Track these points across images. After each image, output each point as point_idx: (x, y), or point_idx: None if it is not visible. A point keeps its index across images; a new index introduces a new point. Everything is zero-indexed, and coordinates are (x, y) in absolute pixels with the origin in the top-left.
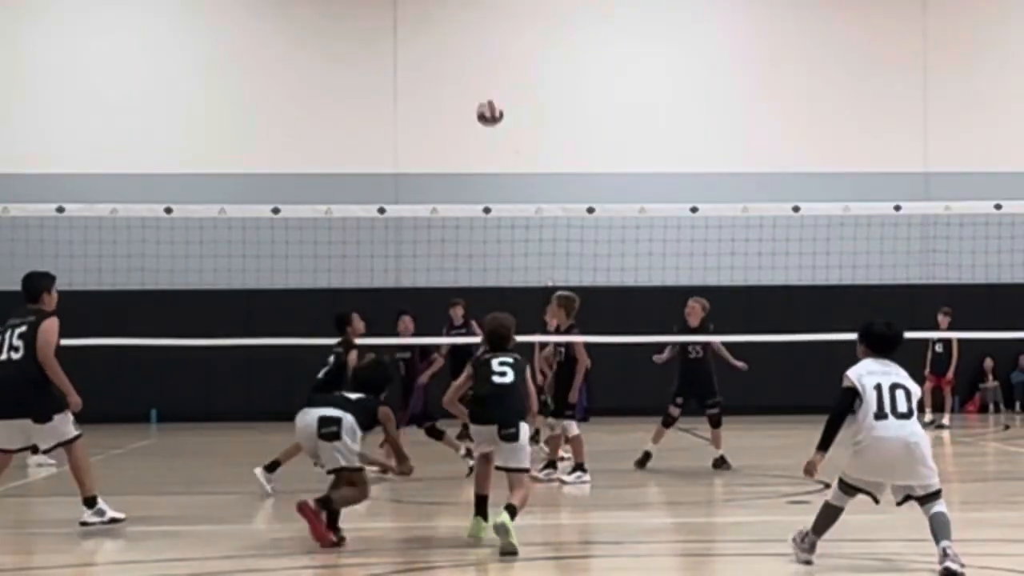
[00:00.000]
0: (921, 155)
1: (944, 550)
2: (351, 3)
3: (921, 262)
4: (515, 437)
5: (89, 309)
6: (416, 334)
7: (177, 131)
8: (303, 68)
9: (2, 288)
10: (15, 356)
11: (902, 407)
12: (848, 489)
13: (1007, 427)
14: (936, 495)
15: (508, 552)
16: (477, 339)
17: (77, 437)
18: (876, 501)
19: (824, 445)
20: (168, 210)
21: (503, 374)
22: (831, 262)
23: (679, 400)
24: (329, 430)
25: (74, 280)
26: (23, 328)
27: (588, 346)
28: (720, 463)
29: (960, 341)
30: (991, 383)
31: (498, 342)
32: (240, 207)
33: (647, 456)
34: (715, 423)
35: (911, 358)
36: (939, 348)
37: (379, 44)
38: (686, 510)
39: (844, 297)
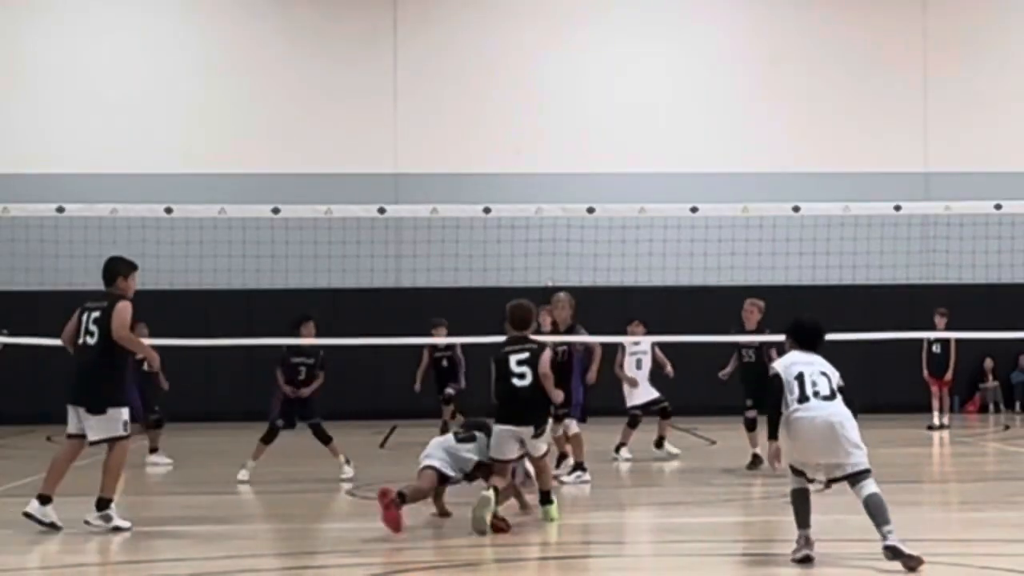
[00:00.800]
0: (921, 155)
1: (886, 535)
2: (351, 3)
3: (921, 262)
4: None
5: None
6: (410, 334)
7: (177, 131)
8: (303, 68)
9: (2, 288)
10: (90, 341)
11: (824, 390)
12: (796, 472)
13: (1007, 427)
14: (865, 474)
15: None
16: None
17: (125, 437)
18: (810, 481)
19: (773, 433)
20: (168, 210)
21: (522, 376)
22: (831, 262)
23: (749, 403)
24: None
25: (74, 280)
26: (97, 313)
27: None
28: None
29: (959, 341)
30: (991, 383)
31: (520, 324)
32: (240, 207)
33: (757, 458)
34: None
35: (909, 358)
36: (936, 349)
37: (379, 44)
38: (686, 510)
39: (844, 297)
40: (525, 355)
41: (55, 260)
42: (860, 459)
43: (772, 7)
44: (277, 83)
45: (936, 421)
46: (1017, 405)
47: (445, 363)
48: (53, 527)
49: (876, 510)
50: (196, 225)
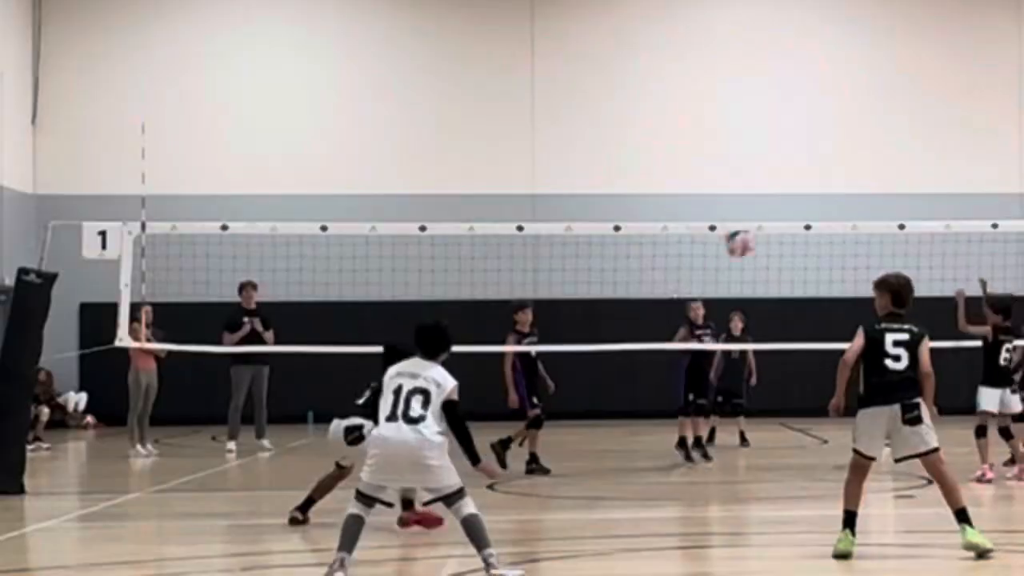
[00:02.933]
0: (1018, 176)
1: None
2: (490, 36)
3: (1017, 275)
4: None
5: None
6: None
7: (330, 155)
8: (447, 96)
9: (171, 300)
10: None
11: (414, 411)
12: (361, 497)
13: None
14: (457, 495)
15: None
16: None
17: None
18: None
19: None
20: (324, 228)
21: (897, 358)
22: (933, 275)
23: None
24: None
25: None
26: None
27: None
28: None
29: None
30: None
31: (902, 302)
32: (390, 225)
33: None
34: None
35: None
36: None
37: (518, 74)
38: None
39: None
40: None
41: (219, 274)
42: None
43: (877, 36)
44: (422, 111)
45: None
46: None
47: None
48: None
49: (474, 533)
50: (349, 242)
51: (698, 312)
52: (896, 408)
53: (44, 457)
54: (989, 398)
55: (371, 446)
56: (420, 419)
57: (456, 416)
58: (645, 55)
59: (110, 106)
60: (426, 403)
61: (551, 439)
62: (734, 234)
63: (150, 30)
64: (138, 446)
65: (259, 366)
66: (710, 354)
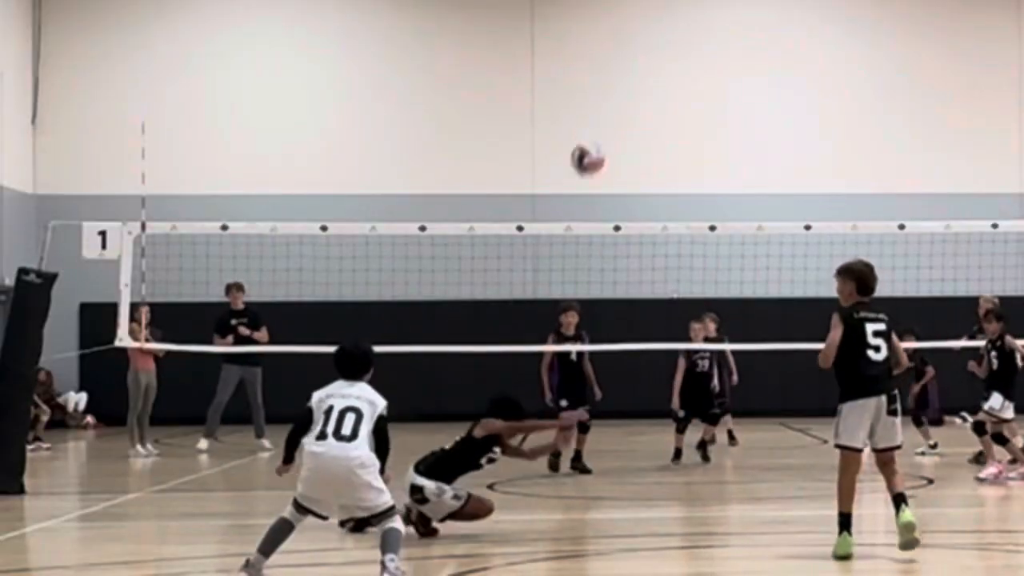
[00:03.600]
0: (1017, 177)
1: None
2: (490, 37)
3: (1017, 276)
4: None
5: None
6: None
7: (330, 155)
8: (447, 97)
9: (171, 300)
10: None
11: (346, 430)
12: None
13: None
14: (387, 513)
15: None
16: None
17: None
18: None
19: (288, 457)
20: (324, 228)
21: (878, 348)
22: (933, 276)
23: None
24: None
25: None
26: None
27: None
28: None
29: None
30: None
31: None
32: (390, 225)
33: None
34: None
35: None
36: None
37: (518, 76)
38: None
39: (945, 308)
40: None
41: (219, 274)
42: (379, 501)
43: (877, 36)
44: (422, 111)
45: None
46: None
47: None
48: None
49: (385, 542)
50: (349, 242)
51: (699, 333)
52: (883, 399)
53: (44, 457)
54: (1002, 402)
55: (304, 462)
56: (352, 437)
57: (384, 431)
58: (645, 55)
59: (110, 106)
60: (358, 422)
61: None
62: (580, 159)
63: (150, 30)
64: (138, 446)
65: (249, 367)
66: (706, 372)
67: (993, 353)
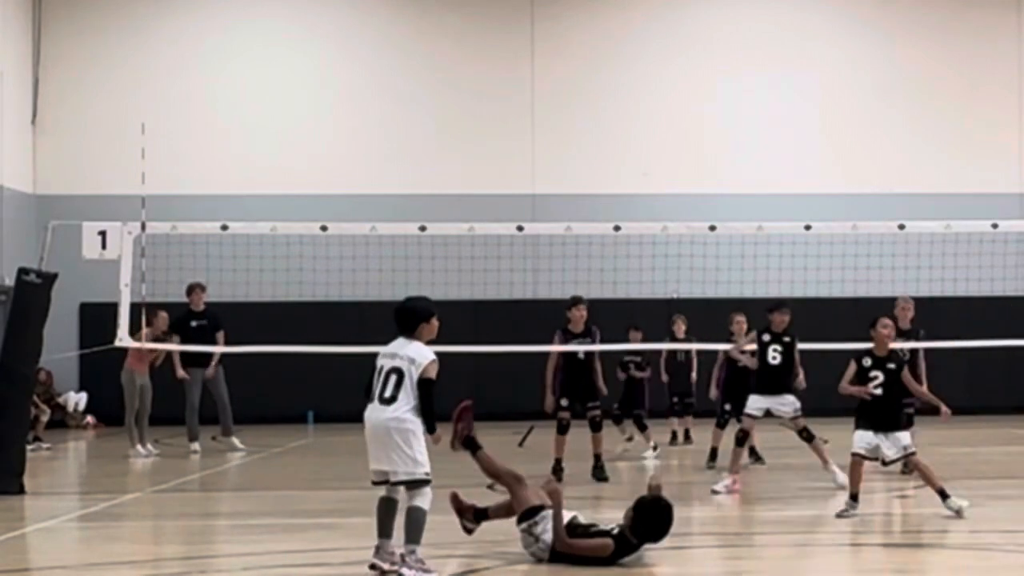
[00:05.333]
0: (1017, 177)
1: (401, 555)
2: (491, 39)
3: (1017, 276)
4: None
5: (250, 319)
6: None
7: (331, 155)
8: (447, 97)
9: (171, 299)
10: None
11: (387, 392)
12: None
13: None
14: (415, 484)
15: None
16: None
17: None
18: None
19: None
20: (324, 228)
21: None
22: (933, 275)
23: None
24: None
25: (236, 292)
26: None
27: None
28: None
29: None
30: None
31: None
32: (390, 225)
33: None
34: None
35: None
36: None
37: (518, 75)
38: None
39: (944, 308)
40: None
41: (219, 274)
42: (410, 469)
43: (877, 37)
44: (422, 110)
45: None
46: None
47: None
48: None
49: (407, 528)
50: (349, 241)
51: (741, 327)
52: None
53: (44, 457)
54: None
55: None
56: (391, 400)
57: (427, 392)
58: (645, 55)
59: (110, 106)
60: (399, 383)
61: (550, 439)
62: None
63: (150, 30)
64: (138, 446)
65: (206, 368)
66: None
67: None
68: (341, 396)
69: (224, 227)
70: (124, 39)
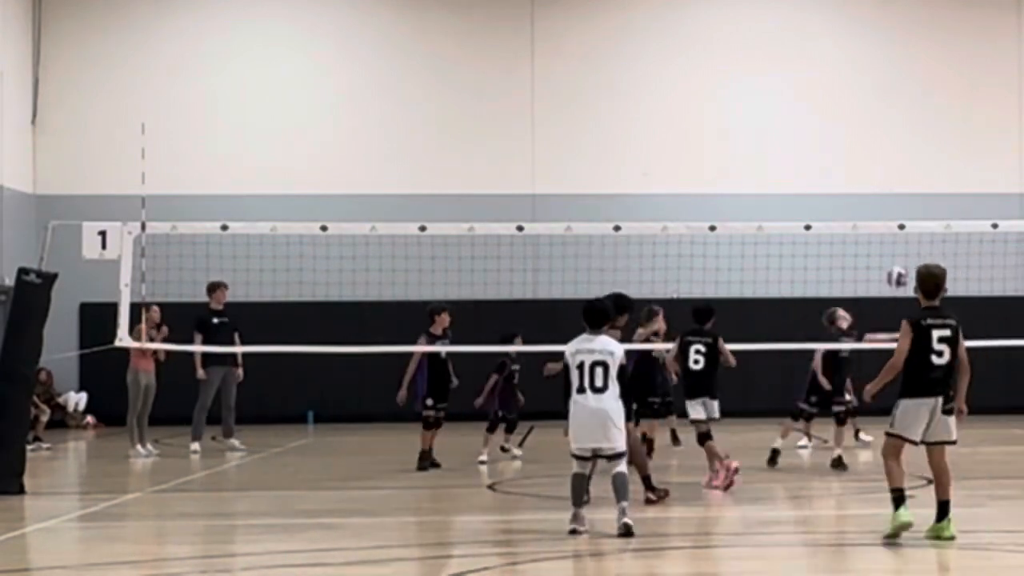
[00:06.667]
0: (1018, 177)
1: (623, 510)
2: (492, 39)
3: (1016, 276)
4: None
5: (250, 319)
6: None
7: (331, 156)
8: (447, 97)
9: (171, 300)
10: None
11: (599, 382)
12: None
13: None
14: (618, 456)
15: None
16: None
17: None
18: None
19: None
20: (323, 228)
21: (941, 353)
22: None
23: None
24: None
25: (236, 293)
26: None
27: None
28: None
29: None
30: None
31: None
32: (390, 225)
33: (776, 453)
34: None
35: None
36: None
37: (518, 75)
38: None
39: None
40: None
41: (219, 274)
42: (616, 443)
43: (877, 37)
44: (422, 110)
45: None
46: None
47: None
48: None
49: (617, 488)
50: (349, 242)
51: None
52: (939, 400)
53: (44, 457)
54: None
55: (571, 415)
56: (603, 389)
57: (624, 377)
58: (645, 55)
59: (110, 106)
60: (606, 374)
61: (550, 439)
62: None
63: (150, 30)
64: (138, 446)
65: (231, 367)
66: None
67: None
68: (341, 396)
69: (224, 227)
70: (124, 39)
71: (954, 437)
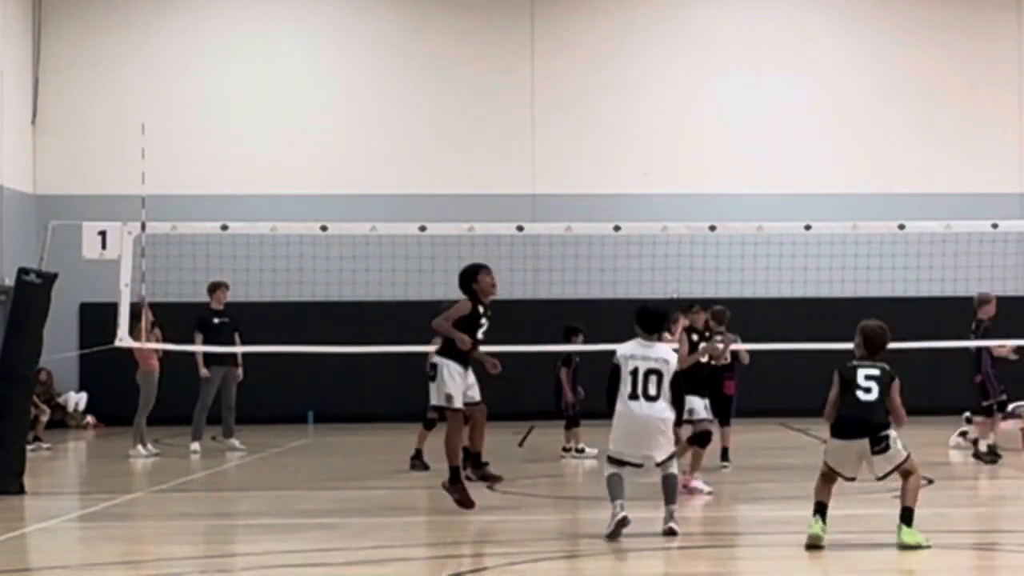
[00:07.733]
0: (1018, 177)
1: (671, 513)
2: (491, 40)
3: (1016, 276)
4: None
5: (250, 319)
6: (547, 342)
7: (331, 156)
8: (447, 97)
9: (171, 300)
10: None
11: (652, 390)
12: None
13: None
14: (667, 460)
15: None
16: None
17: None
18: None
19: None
20: (323, 228)
21: (868, 390)
22: (933, 276)
23: None
24: None
25: (236, 293)
26: None
27: None
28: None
29: None
30: None
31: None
32: (390, 225)
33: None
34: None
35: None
36: None
37: (518, 76)
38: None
39: (944, 308)
40: (875, 371)
41: (219, 274)
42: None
43: (877, 37)
44: (422, 110)
45: None
46: None
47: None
48: None
49: (667, 491)
50: (349, 242)
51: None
52: (866, 442)
53: (44, 457)
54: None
55: (617, 420)
56: (656, 397)
57: (677, 386)
58: (645, 55)
59: (110, 106)
60: (659, 383)
61: (550, 439)
62: None
63: (150, 30)
64: (138, 446)
65: (231, 367)
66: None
67: None
68: (341, 396)
69: (224, 227)
70: (124, 39)
71: (897, 463)
